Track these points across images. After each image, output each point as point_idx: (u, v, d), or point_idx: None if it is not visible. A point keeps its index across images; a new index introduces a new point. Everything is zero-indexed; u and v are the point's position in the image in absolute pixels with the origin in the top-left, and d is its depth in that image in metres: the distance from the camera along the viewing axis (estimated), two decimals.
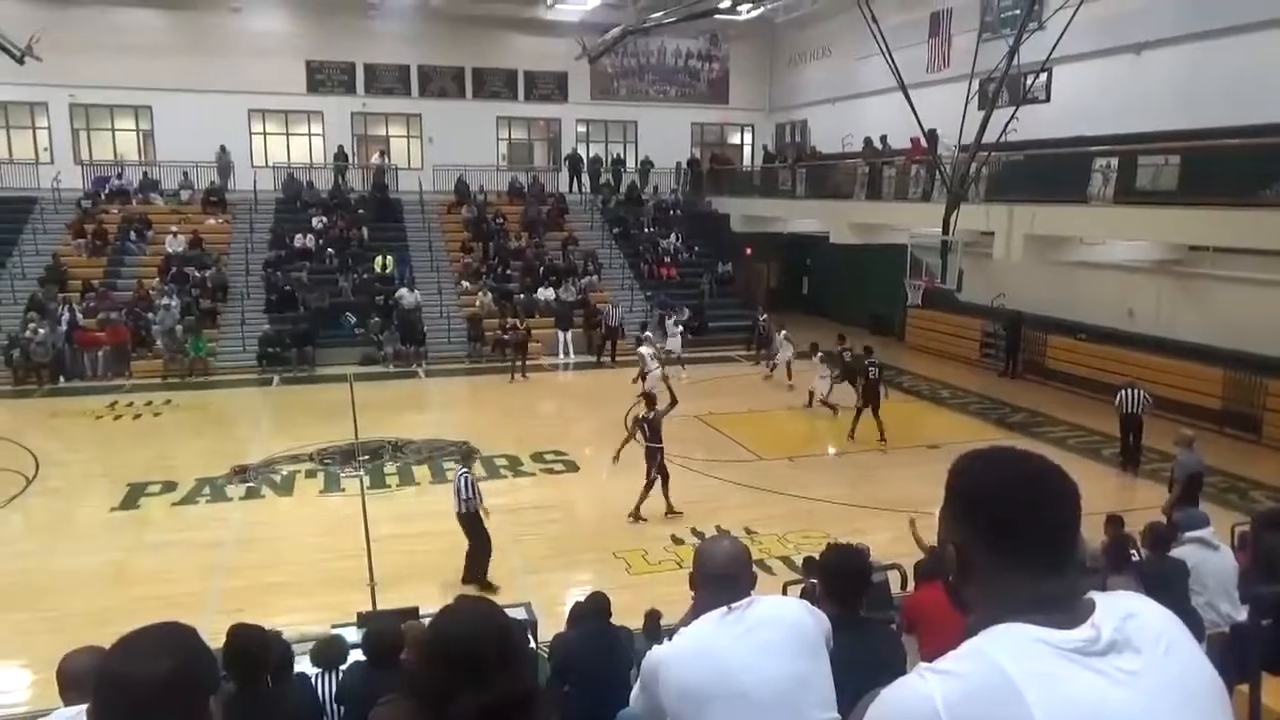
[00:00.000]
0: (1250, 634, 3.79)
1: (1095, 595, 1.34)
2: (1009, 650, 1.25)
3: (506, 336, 21.76)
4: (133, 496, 12.40)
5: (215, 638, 3.56)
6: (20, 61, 21.01)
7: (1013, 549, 1.33)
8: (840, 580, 3.44)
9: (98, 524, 11.62)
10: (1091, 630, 1.27)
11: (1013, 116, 15.02)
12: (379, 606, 8.68)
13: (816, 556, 8.35)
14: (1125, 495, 12.07)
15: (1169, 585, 5.72)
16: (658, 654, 2.45)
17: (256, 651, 4.10)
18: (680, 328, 21.35)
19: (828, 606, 3.37)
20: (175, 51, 26.06)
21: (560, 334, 22.67)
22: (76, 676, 2.72)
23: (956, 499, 1.41)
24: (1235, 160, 14.23)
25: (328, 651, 5.42)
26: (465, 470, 9.76)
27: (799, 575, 8.84)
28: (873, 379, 15.04)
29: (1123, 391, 13.67)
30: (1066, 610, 1.30)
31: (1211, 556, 6.28)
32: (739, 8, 23.97)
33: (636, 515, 11.38)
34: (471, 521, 9.57)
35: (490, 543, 9.60)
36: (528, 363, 20.44)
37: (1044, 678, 1.22)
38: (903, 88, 15.14)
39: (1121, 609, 1.32)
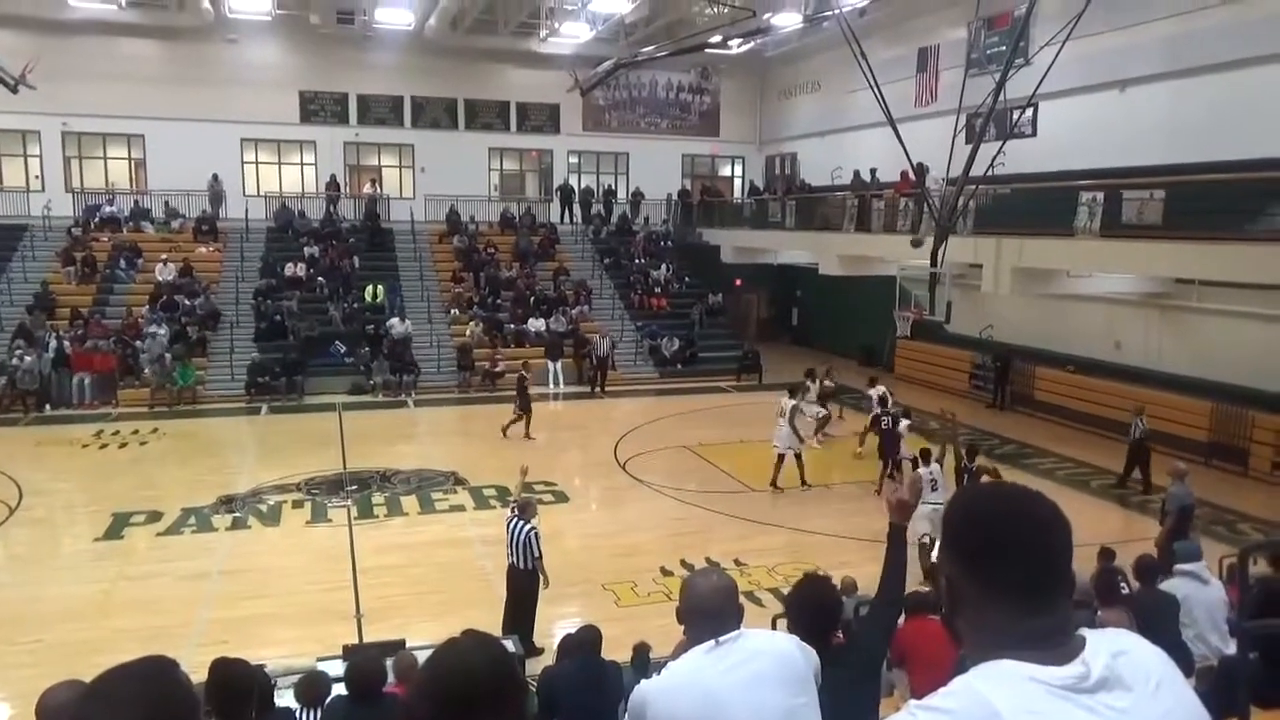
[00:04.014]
0: (1239, 668, 3.79)
1: (1086, 632, 1.34)
2: (1000, 687, 1.24)
3: (499, 368, 21.86)
4: (117, 526, 12.27)
5: (199, 670, 3.52)
6: (14, 90, 21.06)
7: (1001, 583, 1.33)
8: (806, 614, 3.38)
9: (81, 554, 11.49)
10: (1082, 667, 1.27)
11: (1000, 151, 15.20)
12: (365, 639, 8.59)
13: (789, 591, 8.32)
14: (1115, 527, 12.07)
15: (1159, 618, 5.72)
16: (645, 689, 2.43)
17: (239, 686, 4.04)
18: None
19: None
20: (169, 81, 26.19)
21: (550, 364, 22.66)
22: (56, 712, 2.67)
23: (949, 531, 1.43)
24: (1219, 195, 14.42)
25: (311, 688, 5.36)
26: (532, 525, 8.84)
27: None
28: (887, 429, 14.25)
29: (1137, 420, 14.13)
30: (1057, 646, 1.30)
31: (1201, 590, 6.29)
32: (729, 42, 24.20)
33: None
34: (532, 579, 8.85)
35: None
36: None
37: (1034, 715, 1.22)
38: (891, 122, 15.30)
39: (1112, 646, 1.32)
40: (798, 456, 14.26)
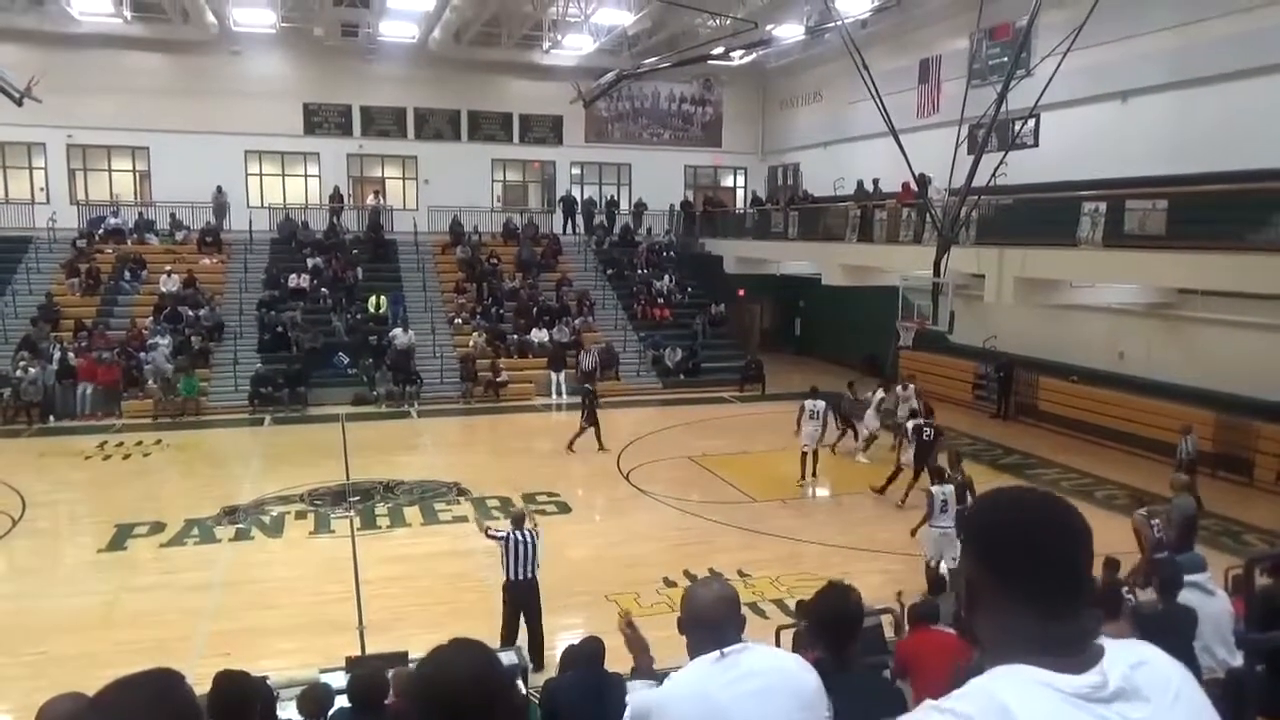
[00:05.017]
0: (1246, 679, 3.77)
1: (1106, 641, 1.33)
2: (1014, 692, 1.24)
3: (500, 378, 21.92)
4: (120, 538, 12.26)
5: (202, 682, 3.51)
6: (19, 103, 21.17)
7: (1020, 587, 1.33)
8: (830, 625, 3.40)
9: (84, 565, 11.48)
10: (1099, 676, 1.27)
11: (1002, 161, 15.22)
12: (368, 650, 8.57)
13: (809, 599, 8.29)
14: (1120, 538, 12.00)
15: (1174, 631, 5.65)
16: (648, 698, 2.42)
17: (241, 700, 4.03)
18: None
19: (818, 651, 3.34)
20: (174, 93, 26.35)
21: (553, 374, 22.67)
22: None
23: (971, 535, 1.43)
24: (1222, 205, 14.42)
25: (313, 700, 5.34)
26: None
27: (793, 619, 8.77)
28: (926, 440, 13.84)
29: (1184, 439, 13.64)
30: (1075, 654, 1.29)
31: (1208, 601, 6.25)
32: (731, 54, 24.31)
33: None
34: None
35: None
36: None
37: None
38: (893, 133, 15.35)
39: (1132, 656, 1.31)
40: (815, 453, 15.14)
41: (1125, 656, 1.31)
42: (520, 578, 8.70)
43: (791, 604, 9.56)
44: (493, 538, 8.79)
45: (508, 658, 7.20)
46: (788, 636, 7.28)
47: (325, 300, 24.28)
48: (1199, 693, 1.34)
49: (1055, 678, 1.25)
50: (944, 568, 10.07)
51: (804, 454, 15.05)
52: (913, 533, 11.34)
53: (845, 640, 3.34)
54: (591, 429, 17.15)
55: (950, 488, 10.77)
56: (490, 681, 1.57)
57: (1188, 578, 6.46)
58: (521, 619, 8.68)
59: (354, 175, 29.40)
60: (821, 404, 15.31)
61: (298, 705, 5.36)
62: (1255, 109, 15.62)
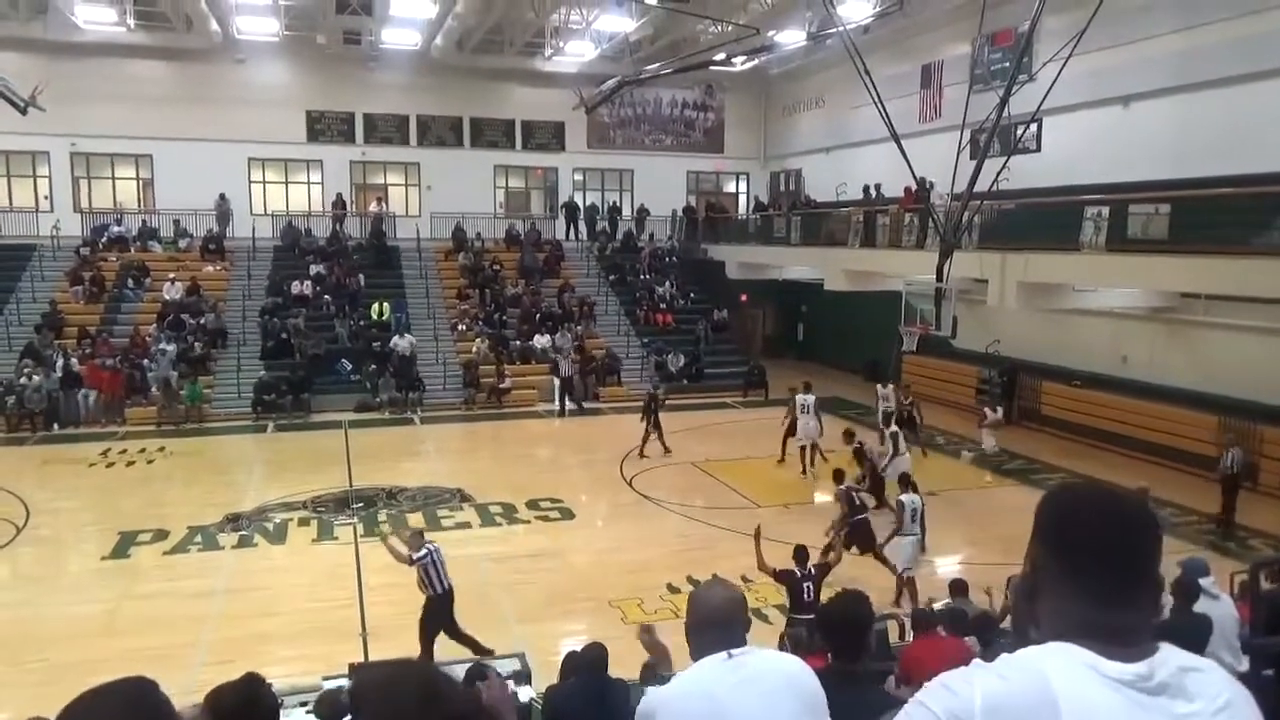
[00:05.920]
0: (1253, 686, 3.75)
1: (1166, 645, 1.35)
2: (1058, 667, 1.28)
3: (504, 383, 21.90)
4: (123, 545, 12.27)
5: (205, 689, 3.52)
6: (23, 112, 21.22)
7: (1081, 575, 1.36)
8: (841, 629, 3.41)
9: (87, 573, 11.51)
10: (1145, 668, 1.29)
11: (1004, 166, 15.20)
12: (371, 657, 8.57)
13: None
14: None
15: (1188, 641, 5.59)
16: (654, 697, 2.41)
17: (246, 707, 4.02)
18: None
19: (829, 655, 3.35)
20: (177, 101, 26.41)
21: (556, 380, 22.66)
22: None
23: (1037, 521, 1.46)
24: (1224, 209, 14.41)
25: (328, 704, 5.34)
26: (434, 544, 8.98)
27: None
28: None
29: (1232, 451, 13.33)
30: (1127, 645, 1.31)
31: (1212, 606, 6.21)
32: (734, 60, 24.32)
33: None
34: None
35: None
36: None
37: (1085, 700, 1.25)
38: (895, 138, 15.33)
39: (1185, 661, 1.33)
40: (815, 447, 15.85)
41: (1178, 660, 1.33)
42: (446, 589, 8.75)
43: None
44: (418, 561, 8.70)
45: (509, 665, 7.18)
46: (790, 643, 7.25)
47: (328, 307, 24.31)
48: (1255, 713, 1.35)
49: (1101, 662, 1.28)
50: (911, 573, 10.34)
51: (802, 448, 15.88)
52: (882, 545, 10.87)
53: (856, 645, 3.35)
54: (652, 433, 17.20)
55: (919, 497, 10.76)
56: (426, 705, 1.51)
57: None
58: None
59: (357, 182, 29.44)
60: (812, 398, 16.04)
61: (314, 710, 5.36)
62: (1258, 113, 15.60)
